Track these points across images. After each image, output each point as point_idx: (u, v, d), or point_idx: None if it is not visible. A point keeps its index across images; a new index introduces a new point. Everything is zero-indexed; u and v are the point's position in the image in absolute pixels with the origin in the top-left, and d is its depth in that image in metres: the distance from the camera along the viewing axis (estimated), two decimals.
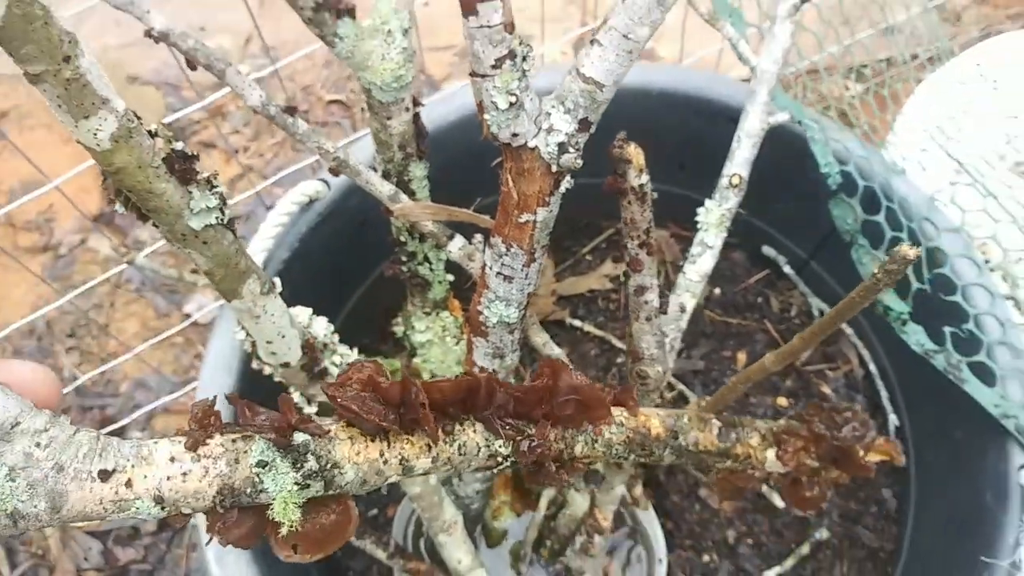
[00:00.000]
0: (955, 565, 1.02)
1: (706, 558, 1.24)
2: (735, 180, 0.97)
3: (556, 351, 0.97)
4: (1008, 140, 1.37)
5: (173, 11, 2.33)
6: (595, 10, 2.38)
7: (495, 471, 1.03)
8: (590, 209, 1.51)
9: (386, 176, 0.87)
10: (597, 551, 1.07)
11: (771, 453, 0.78)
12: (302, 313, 0.79)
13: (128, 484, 0.45)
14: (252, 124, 2.27)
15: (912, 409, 1.27)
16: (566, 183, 0.71)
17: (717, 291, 1.49)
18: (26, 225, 2.04)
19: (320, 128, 2.25)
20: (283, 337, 0.71)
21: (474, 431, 0.58)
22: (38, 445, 0.43)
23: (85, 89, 0.48)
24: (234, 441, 0.49)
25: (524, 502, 1.18)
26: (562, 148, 0.67)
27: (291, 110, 0.74)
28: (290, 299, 0.77)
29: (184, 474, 0.47)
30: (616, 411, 0.68)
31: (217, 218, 0.57)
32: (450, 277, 1.04)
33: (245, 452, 0.48)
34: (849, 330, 1.40)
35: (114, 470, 0.45)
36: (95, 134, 0.50)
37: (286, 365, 0.76)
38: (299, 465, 0.49)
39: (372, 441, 0.53)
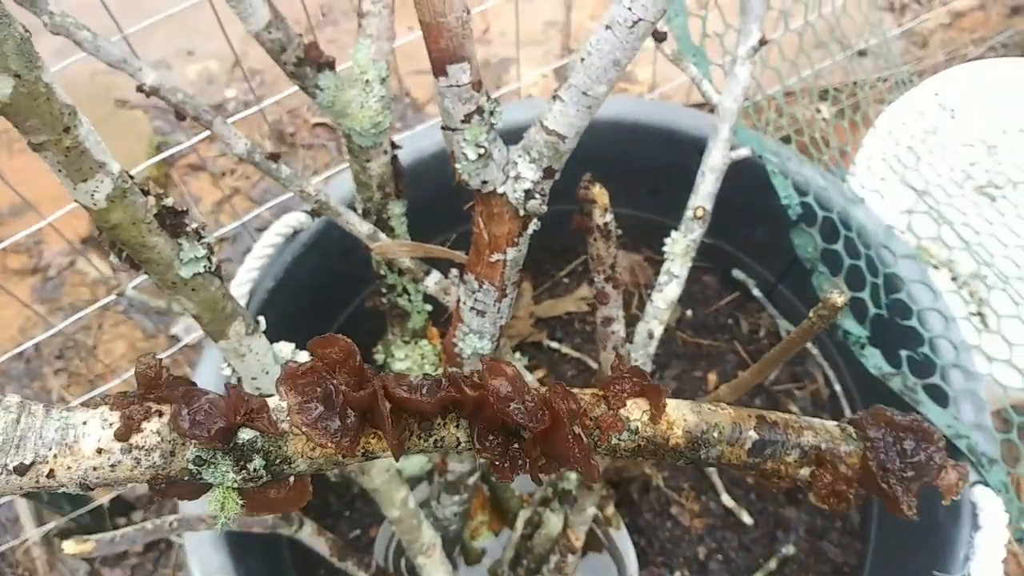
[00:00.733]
0: None
1: (677, 574, 1.28)
2: (699, 212, 1.02)
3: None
4: (968, 165, 1.43)
5: (163, 36, 2.37)
6: (575, 33, 2.44)
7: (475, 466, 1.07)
8: (567, 234, 1.56)
9: (366, 214, 0.91)
10: (571, 570, 1.11)
11: (805, 471, 0.65)
12: (285, 348, 0.83)
13: (50, 475, 0.43)
14: None
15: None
16: (533, 225, 0.76)
17: (689, 313, 1.54)
18: (15, 247, 2.07)
19: (305, 150, 2.29)
20: (267, 373, 0.75)
21: (456, 427, 0.53)
22: None
23: (83, 155, 0.52)
24: (172, 429, 0.45)
25: (501, 521, 1.22)
26: (528, 194, 0.72)
27: (274, 156, 0.78)
28: (275, 326, 0.81)
29: (112, 466, 0.44)
30: (635, 410, 0.57)
31: (205, 267, 0.61)
32: (428, 307, 1.09)
33: (183, 444, 0.45)
34: (815, 351, 1.46)
35: (33, 463, 0.42)
36: (92, 195, 0.54)
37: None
38: (241, 465, 0.46)
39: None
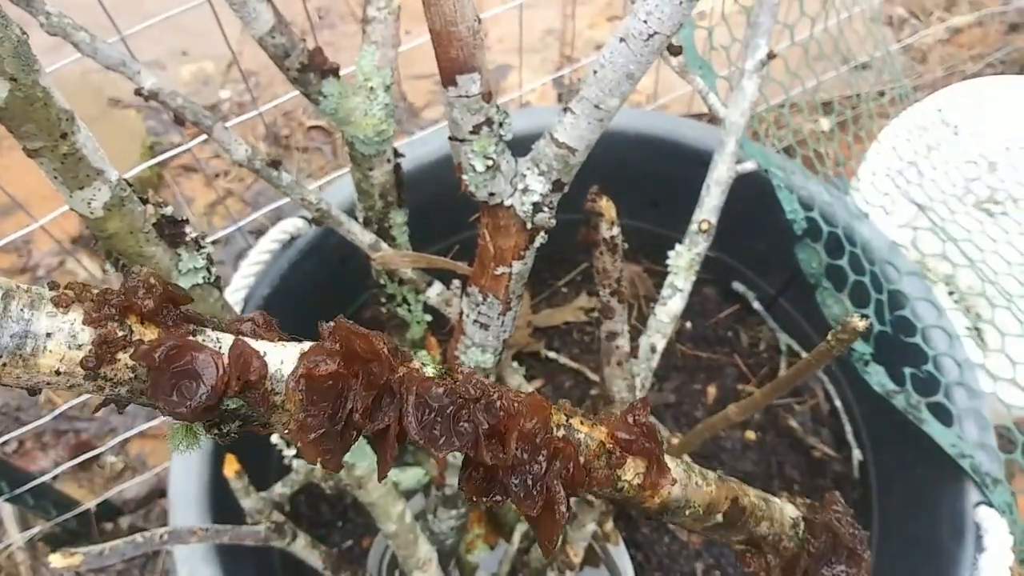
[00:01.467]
0: None
1: None
2: (704, 226, 1.01)
3: (529, 390, 1.00)
4: (969, 182, 1.42)
5: (157, 35, 2.35)
6: (573, 41, 2.42)
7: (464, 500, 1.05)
8: (566, 243, 1.54)
9: (367, 223, 0.89)
10: None
11: (740, 545, 0.68)
12: None
13: None
14: None
15: (876, 444, 1.31)
16: (540, 238, 0.74)
17: (688, 325, 1.52)
18: (4, 247, 2.04)
19: (301, 153, 2.27)
20: None
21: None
22: None
23: (81, 163, 0.50)
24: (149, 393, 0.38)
25: (498, 535, 1.20)
26: (536, 207, 0.70)
27: (275, 164, 0.76)
28: None
29: (71, 387, 0.38)
30: (629, 470, 0.54)
31: (204, 277, 0.59)
32: (428, 318, 1.07)
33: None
34: None
35: None
36: (89, 203, 0.52)
37: None
38: (214, 427, 0.42)
39: None
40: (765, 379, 1.45)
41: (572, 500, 0.52)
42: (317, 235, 1.19)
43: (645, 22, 0.58)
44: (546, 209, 0.70)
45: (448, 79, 0.63)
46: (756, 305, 1.50)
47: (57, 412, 1.47)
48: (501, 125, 0.67)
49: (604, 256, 0.85)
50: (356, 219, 0.90)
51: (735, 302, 1.54)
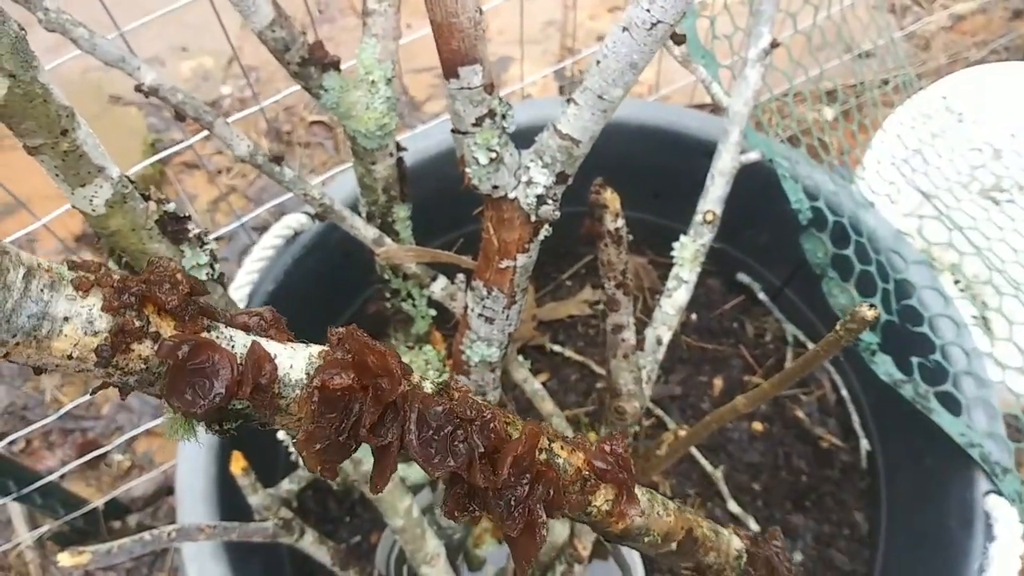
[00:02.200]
0: None
1: None
2: (709, 217, 1.00)
3: (536, 386, 0.99)
4: (974, 169, 1.41)
5: (156, 32, 2.34)
6: (574, 32, 2.41)
7: None
8: (570, 236, 1.54)
9: (370, 217, 0.89)
10: None
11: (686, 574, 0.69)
12: None
13: (4, 356, 0.36)
14: None
15: (884, 434, 1.31)
16: (545, 231, 0.74)
17: (694, 317, 1.52)
18: None
19: (303, 149, 2.26)
20: None
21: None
22: None
23: (82, 159, 0.50)
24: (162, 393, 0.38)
25: None
26: (541, 200, 0.70)
27: (278, 159, 0.76)
28: None
29: (80, 371, 0.37)
30: (600, 496, 0.55)
31: (208, 274, 0.59)
32: (432, 312, 1.06)
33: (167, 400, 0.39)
34: None
35: None
36: (91, 200, 0.52)
37: None
38: (216, 424, 0.42)
39: None
40: (771, 370, 1.44)
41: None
42: (320, 231, 1.18)
43: (648, 11, 0.57)
44: (550, 202, 0.70)
45: (450, 71, 0.62)
46: (762, 296, 1.49)
47: (63, 411, 1.47)
48: (504, 117, 0.66)
49: (609, 248, 0.84)
50: (359, 214, 0.90)
51: (740, 293, 1.53)
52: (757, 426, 1.39)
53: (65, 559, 0.81)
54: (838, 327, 0.56)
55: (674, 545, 0.63)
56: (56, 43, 1.30)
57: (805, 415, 1.40)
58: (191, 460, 1.06)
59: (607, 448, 0.55)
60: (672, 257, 1.00)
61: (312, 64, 0.72)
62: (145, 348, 0.38)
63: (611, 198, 0.82)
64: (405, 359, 1.10)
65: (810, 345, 1.44)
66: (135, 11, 1.26)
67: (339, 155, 2.25)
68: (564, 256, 1.60)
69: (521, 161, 0.69)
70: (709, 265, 1.52)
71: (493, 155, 0.66)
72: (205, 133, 1.39)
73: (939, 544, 1.05)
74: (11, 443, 1.67)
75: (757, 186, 1.17)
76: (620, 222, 0.83)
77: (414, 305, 1.02)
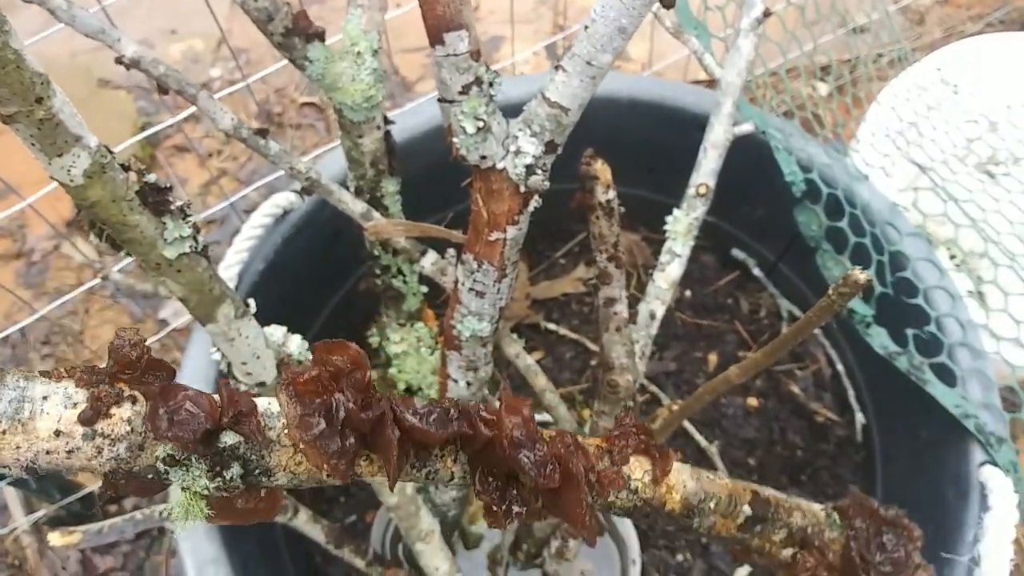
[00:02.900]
0: None
1: (679, 557, 1.27)
2: (702, 190, 0.99)
3: (529, 361, 0.99)
4: (970, 142, 1.40)
5: (145, 14, 2.31)
6: (565, 11, 2.39)
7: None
8: (563, 213, 1.53)
9: (359, 192, 0.88)
10: (572, 555, 1.09)
11: (788, 552, 0.66)
12: (276, 332, 0.80)
13: None
14: None
15: (879, 407, 1.31)
16: (535, 202, 0.73)
17: (688, 293, 1.51)
18: None
19: (294, 131, 2.25)
20: (258, 358, 0.72)
21: (453, 461, 0.50)
22: None
23: (58, 128, 0.49)
24: (147, 425, 0.40)
25: None
26: (530, 170, 0.69)
27: (262, 132, 0.75)
28: (265, 309, 0.78)
29: (69, 452, 0.39)
30: (637, 468, 0.56)
31: (191, 247, 0.58)
32: (424, 289, 1.06)
33: (154, 439, 0.41)
34: (816, 330, 1.43)
35: None
36: (68, 171, 0.51)
37: (262, 384, 0.77)
38: (217, 471, 0.42)
39: None
40: (766, 345, 1.44)
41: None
42: (310, 209, 1.17)
43: None
44: (539, 171, 0.69)
45: (435, 38, 0.61)
46: (756, 271, 1.48)
47: None
48: (491, 85, 0.65)
49: (600, 221, 0.83)
50: (348, 189, 0.89)
51: (735, 269, 1.52)
52: (752, 401, 1.39)
53: (56, 538, 0.81)
54: (830, 291, 0.55)
55: (747, 508, 0.61)
56: (43, 26, 1.28)
57: (800, 390, 1.40)
58: None
59: (623, 419, 0.57)
60: (666, 232, 0.99)
61: (296, 34, 0.71)
62: (125, 410, 0.41)
63: (602, 169, 0.81)
64: (396, 336, 1.09)
65: None
66: None
67: (330, 136, 2.23)
68: (557, 234, 1.59)
69: (509, 130, 0.68)
70: (703, 241, 1.52)
71: (480, 124, 0.65)
72: (191, 110, 1.37)
73: (935, 515, 1.05)
74: None
75: (751, 160, 1.16)
76: (611, 194, 0.82)
77: (405, 281, 1.01)
